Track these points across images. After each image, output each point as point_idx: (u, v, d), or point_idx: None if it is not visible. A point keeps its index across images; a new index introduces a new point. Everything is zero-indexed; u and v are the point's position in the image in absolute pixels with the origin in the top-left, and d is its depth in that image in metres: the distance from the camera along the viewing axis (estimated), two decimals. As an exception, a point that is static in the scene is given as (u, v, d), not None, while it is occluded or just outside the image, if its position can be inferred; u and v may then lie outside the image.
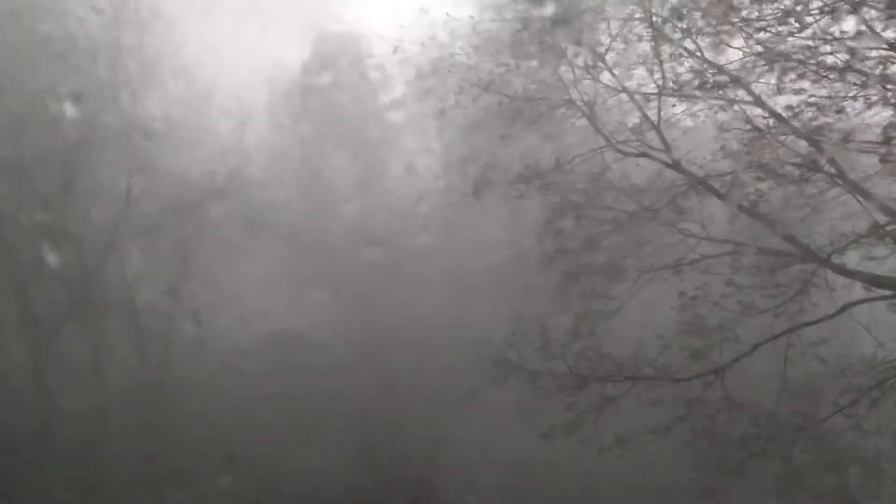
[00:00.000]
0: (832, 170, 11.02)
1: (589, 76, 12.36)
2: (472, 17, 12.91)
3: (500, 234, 13.16)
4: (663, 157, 12.04)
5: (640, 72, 12.42)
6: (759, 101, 11.37)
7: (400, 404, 13.60)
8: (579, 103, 12.39)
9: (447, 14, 13.13)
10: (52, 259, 15.93)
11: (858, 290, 11.37)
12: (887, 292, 10.93)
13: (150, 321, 16.56)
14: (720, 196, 11.64)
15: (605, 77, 12.51)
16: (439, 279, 14.50)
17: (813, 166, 11.07)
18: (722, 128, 11.48)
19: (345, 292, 15.35)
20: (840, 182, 11.02)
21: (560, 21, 11.97)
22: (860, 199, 10.86)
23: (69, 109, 15.82)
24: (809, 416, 11.15)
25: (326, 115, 16.98)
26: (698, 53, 11.56)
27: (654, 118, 12.14)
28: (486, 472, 12.95)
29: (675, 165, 12.00)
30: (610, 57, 12.36)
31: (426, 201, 14.78)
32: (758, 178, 11.30)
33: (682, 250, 11.82)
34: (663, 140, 12.05)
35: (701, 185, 11.70)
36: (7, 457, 14.26)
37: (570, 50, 12.18)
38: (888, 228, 10.82)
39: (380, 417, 13.50)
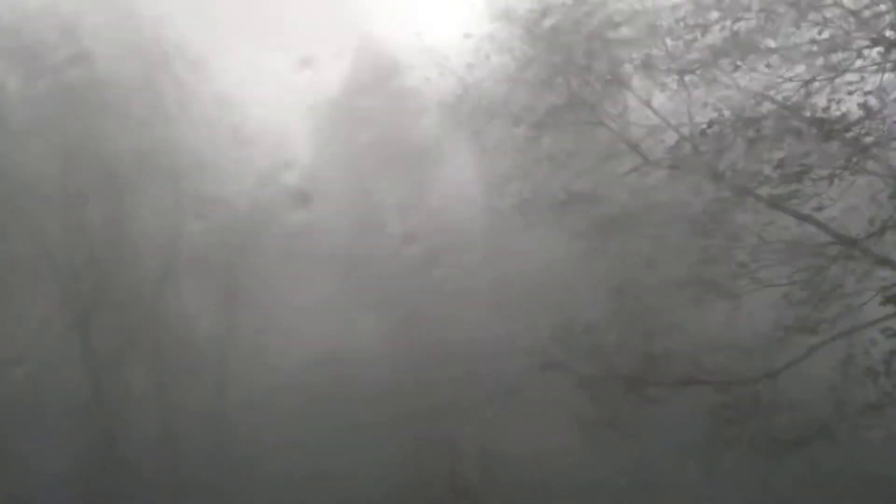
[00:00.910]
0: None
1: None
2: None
3: (544, 252, 13.33)
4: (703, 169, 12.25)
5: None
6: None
7: (452, 419, 13.77)
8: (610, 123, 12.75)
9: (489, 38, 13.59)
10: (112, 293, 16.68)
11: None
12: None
13: (207, 349, 17.00)
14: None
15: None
16: (484, 295, 14.72)
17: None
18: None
19: (391, 313, 15.62)
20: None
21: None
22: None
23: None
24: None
25: (367, 137, 17.31)
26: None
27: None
28: (537, 482, 13.09)
29: (718, 177, 12.19)
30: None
31: (470, 221, 15.09)
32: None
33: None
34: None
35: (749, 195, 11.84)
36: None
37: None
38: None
39: (432, 434, 13.69)
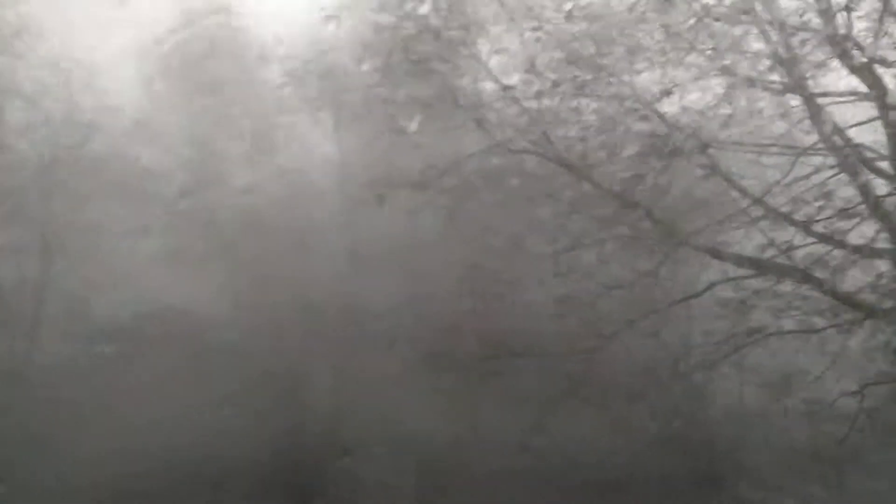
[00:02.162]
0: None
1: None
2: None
3: (398, 225, 13.74)
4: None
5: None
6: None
7: (301, 379, 13.97)
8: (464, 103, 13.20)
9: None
10: None
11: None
12: (748, 272, 12.49)
13: (17, 295, 15.79)
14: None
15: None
16: (335, 260, 14.91)
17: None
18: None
19: (237, 270, 15.38)
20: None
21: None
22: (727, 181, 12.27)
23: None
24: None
25: (206, 87, 16.59)
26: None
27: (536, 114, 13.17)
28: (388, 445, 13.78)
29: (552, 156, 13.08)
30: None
31: (321, 184, 15.11)
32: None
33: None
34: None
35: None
36: None
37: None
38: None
39: (281, 393, 13.83)
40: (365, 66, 13.55)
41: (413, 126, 13.11)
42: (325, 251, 14.85)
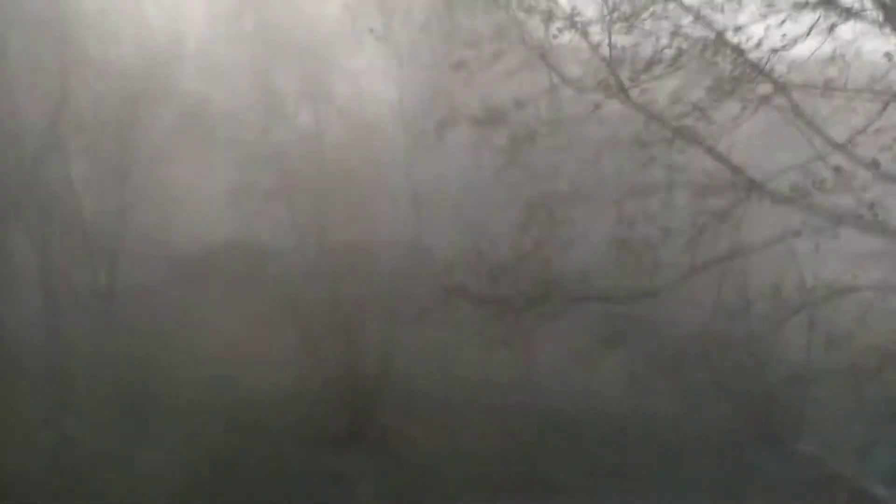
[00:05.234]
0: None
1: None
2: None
3: (464, 159, 13.54)
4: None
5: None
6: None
7: (355, 318, 14.21)
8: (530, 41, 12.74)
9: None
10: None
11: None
12: (825, 222, 11.80)
13: (97, 226, 16.46)
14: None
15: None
16: (398, 199, 14.90)
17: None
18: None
19: (300, 205, 15.57)
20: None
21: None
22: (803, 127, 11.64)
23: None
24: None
25: (269, 26, 16.55)
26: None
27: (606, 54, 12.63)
28: (434, 389, 13.91)
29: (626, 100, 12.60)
30: None
31: (383, 125, 15.02)
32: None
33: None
34: (616, 78, 12.56)
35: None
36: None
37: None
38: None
39: (334, 327, 14.10)
40: (426, -1, 13.21)
41: (475, 63, 12.79)
42: (385, 190, 14.86)
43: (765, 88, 11.60)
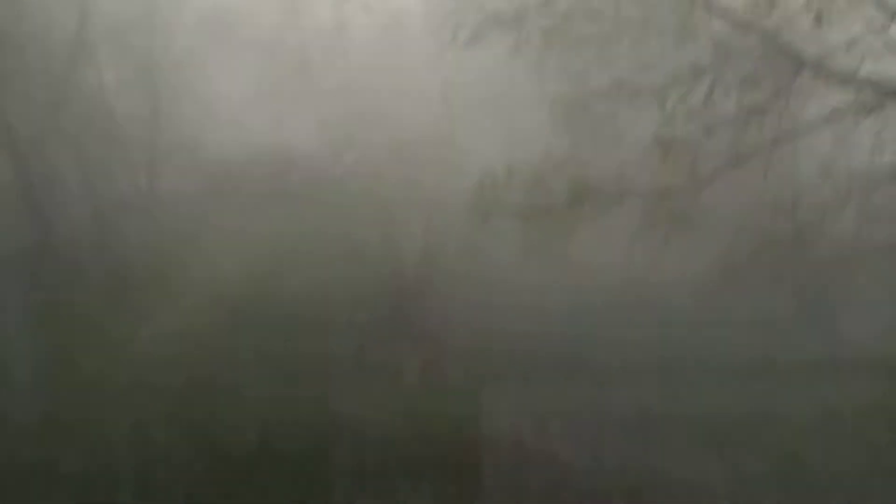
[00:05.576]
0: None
1: None
2: None
3: (495, 61, 12.98)
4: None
5: None
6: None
7: (396, 219, 14.17)
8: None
9: None
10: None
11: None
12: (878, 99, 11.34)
13: (132, 132, 16.41)
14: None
15: None
16: (429, 100, 14.46)
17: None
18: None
19: (330, 110, 15.25)
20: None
21: None
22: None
23: None
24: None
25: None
26: None
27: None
28: (476, 283, 14.03)
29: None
30: None
31: (410, 17, 14.34)
32: None
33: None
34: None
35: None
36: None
37: None
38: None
39: (373, 233, 14.13)
40: None
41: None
42: (416, 92, 14.40)
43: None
